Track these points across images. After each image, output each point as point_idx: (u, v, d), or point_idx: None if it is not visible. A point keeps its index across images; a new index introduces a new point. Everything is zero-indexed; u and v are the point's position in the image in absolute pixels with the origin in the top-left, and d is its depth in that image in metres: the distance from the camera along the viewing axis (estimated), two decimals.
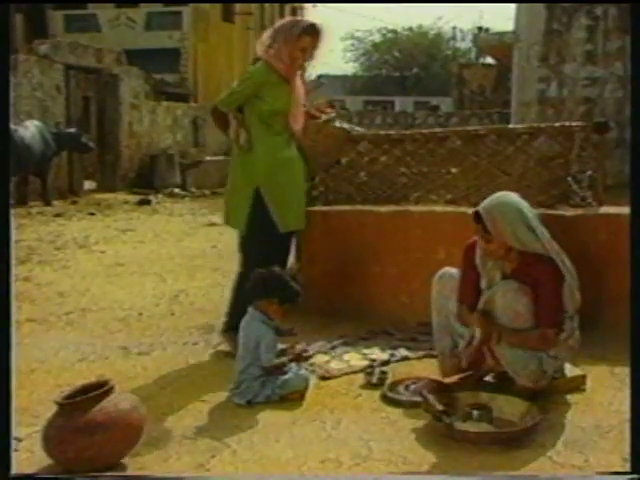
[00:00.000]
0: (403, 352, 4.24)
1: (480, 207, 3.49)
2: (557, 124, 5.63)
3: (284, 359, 3.62)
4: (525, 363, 3.43)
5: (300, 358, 3.71)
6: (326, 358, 4.13)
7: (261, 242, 4.35)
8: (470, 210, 4.75)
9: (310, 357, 3.85)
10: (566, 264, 3.49)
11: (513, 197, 3.54)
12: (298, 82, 4.50)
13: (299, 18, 4.73)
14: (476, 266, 3.59)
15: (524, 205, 3.50)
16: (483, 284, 3.56)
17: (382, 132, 5.20)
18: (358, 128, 5.20)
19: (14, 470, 2.66)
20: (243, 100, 4.42)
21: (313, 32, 4.35)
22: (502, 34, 13.91)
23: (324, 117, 4.64)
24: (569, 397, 3.55)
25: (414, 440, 3.11)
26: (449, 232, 4.71)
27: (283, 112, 4.42)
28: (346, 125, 4.97)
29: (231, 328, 4.29)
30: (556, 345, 3.44)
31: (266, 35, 4.48)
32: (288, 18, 4.80)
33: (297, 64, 4.41)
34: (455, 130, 5.76)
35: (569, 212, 4.66)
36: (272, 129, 4.42)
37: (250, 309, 3.69)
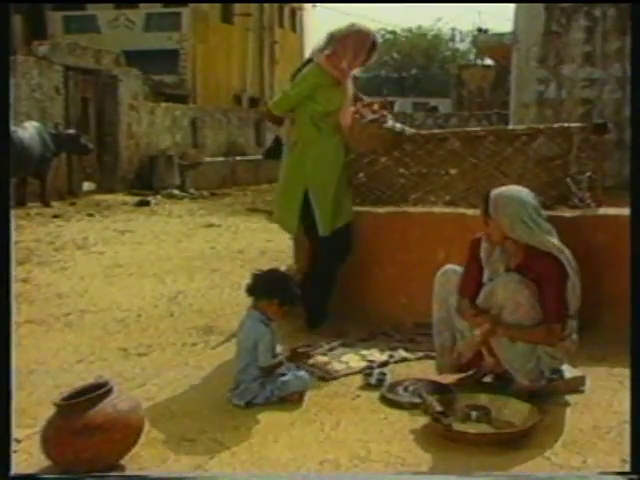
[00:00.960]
0: (402, 353, 4.24)
1: (493, 190, 3.57)
2: (556, 125, 5.64)
3: (281, 358, 3.62)
4: (523, 360, 3.44)
5: (298, 357, 3.71)
6: (325, 359, 4.13)
7: (315, 241, 4.60)
8: (469, 211, 4.79)
9: (309, 356, 3.85)
10: (571, 262, 3.50)
11: (523, 193, 3.59)
12: (349, 83, 4.61)
13: (364, 29, 4.52)
14: (480, 260, 3.61)
15: (530, 203, 3.53)
16: (485, 277, 3.57)
17: None
18: (409, 129, 4.98)
19: (13, 471, 2.66)
20: (297, 102, 4.53)
21: (376, 48, 4.53)
22: (501, 35, 13.92)
23: (370, 116, 4.60)
24: (568, 398, 3.55)
25: (413, 441, 3.11)
26: (448, 233, 4.71)
27: (331, 112, 4.54)
28: (398, 125, 4.81)
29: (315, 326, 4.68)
30: (562, 339, 3.44)
31: (322, 39, 4.58)
32: (350, 27, 4.55)
33: (352, 71, 4.55)
34: (454, 131, 5.76)
35: (568, 213, 4.66)
36: (323, 131, 4.56)
37: (249, 309, 3.69)
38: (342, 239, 4.71)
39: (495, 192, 3.56)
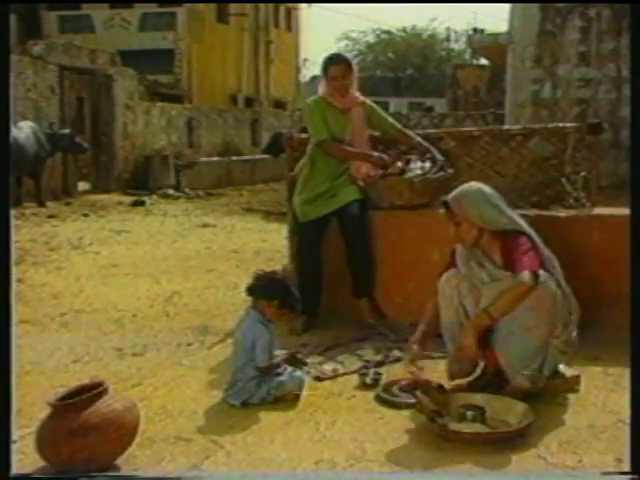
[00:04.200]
0: (397, 353, 4.24)
1: (447, 196, 3.64)
2: (551, 125, 5.66)
3: (279, 359, 3.62)
4: (527, 362, 3.42)
5: (296, 362, 3.71)
6: (320, 359, 4.14)
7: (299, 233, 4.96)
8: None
9: (305, 364, 3.84)
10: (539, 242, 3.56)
11: (477, 183, 3.71)
12: (356, 113, 4.82)
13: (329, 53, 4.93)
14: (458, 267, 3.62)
15: (487, 189, 3.62)
16: (465, 286, 3.56)
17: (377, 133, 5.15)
18: (433, 174, 4.76)
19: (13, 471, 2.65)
20: (326, 124, 4.76)
21: (336, 61, 4.75)
22: (496, 35, 13.93)
23: (380, 172, 4.73)
24: (563, 397, 3.56)
25: (408, 441, 3.12)
26: (443, 233, 4.70)
27: (339, 140, 4.78)
28: (415, 173, 4.72)
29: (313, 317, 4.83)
30: (537, 287, 3.34)
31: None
32: None
33: (339, 92, 4.76)
34: (449, 131, 5.77)
35: (563, 213, 4.67)
36: (321, 156, 4.80)
37: (248, 308, 3.69)
38: (316, 228, 4.82)
39: (451, 194, 3.63)
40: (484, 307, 3.43)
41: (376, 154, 4.80)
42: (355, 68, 4.84)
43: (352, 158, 4.82)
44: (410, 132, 5.04)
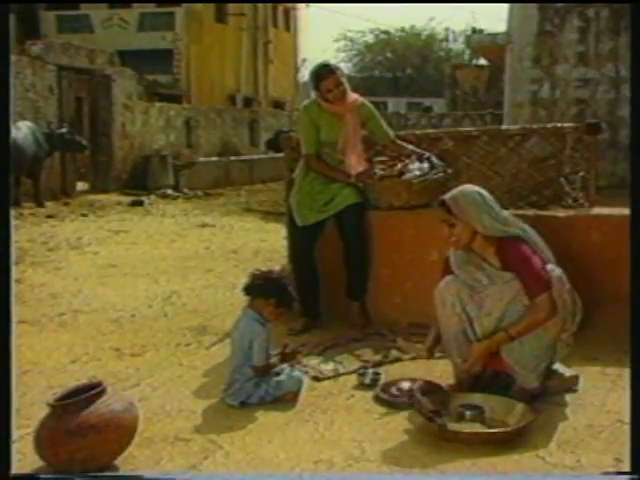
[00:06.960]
0: (396, 353, 4.24)
1: (445, 196, 3.62)
2: (549, 125, 5.66)
3: (275, 360, 3.62)
4: (538, 360, 3.43)
5: (290, 357, 3.71)
6: (319, 359, 4.14)
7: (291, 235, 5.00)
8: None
9: (299, 353, 3.85)
10: (538, 243, 3.56)
11: (474, 186, 3.69)
12: (351, 117, 4.77)
13: (317, 64, 4.83)
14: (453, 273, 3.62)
15: (484, 192, 3.60)
16: (465, 292, 3.56)
17: None
18: (431, 174, 4.72)
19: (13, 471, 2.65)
20: (315, 137, 4.74)
21: (326, 74, 4.67)
22: (494, 35, 13.91)
23: (380, 173, 4.71)
24: (562, 397, 3.55)
25: (407, 441, 3.12)
26: (441, 233, 4.70)
27: (333, 144, 4.76)
28: (414, 174, 4.69)
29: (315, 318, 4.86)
30: (557, 309, 3.38)
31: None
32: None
33: (338, 100, 4.70)
34: (448, 131, 5.77)
35: (561, 213, 4.67)
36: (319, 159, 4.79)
37: (245, 308, 3.70)
38: (311, 233, 4.81)
39: (449, 194, 3.60)
40: (504, 326, 3.43)
41: (354, 177, 4.74)
42: (344, 72, 4.83)
43: (333, 177, 4.76)
44: (403, 143, 4.94)
